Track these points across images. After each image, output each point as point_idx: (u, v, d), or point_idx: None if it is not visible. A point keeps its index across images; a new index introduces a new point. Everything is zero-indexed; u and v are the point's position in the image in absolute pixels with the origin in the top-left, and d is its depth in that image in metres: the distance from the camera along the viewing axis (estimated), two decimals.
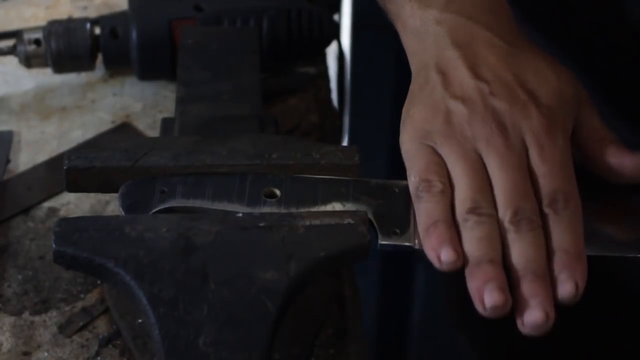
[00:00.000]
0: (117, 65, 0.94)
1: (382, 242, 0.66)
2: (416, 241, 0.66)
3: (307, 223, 0.65)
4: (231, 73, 0.84)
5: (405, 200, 0.68)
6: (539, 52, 0.70)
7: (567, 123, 0.67)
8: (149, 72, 0.92)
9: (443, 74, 0.68)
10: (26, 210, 0.81)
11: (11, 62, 0.95)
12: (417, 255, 0.65)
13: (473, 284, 0.61)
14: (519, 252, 0.62)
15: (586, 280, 0.61)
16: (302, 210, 0.67)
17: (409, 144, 0.67)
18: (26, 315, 0.73)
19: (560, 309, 0.62)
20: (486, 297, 0.60)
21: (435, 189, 0.64)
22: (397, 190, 0.69)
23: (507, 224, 0.62)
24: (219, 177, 0.69)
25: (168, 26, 0.90)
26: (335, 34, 0.99)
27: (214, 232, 0.65)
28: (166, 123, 0.80)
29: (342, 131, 1.16)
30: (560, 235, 0.62)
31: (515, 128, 0.65)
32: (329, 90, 0.99)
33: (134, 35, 0.90)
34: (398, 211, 0.67)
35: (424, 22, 0.70)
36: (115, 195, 0.69)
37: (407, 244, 0.66)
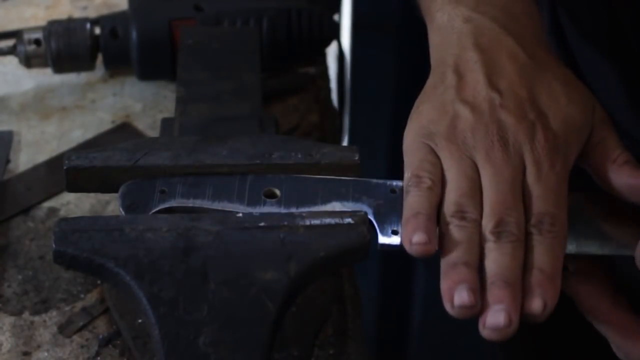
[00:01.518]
0: (117, 65, 0.94)
1: (382, 242, 0.66)
2: None
3: (307, 223, 0.65)
4: (231, 73, 0.83)
5: None
6: (558, 70, 0.69)
7: (570, 150, 0.66)
8: (149, 72, 0.92)
9: (459, 76, 0.68)
10: (26, 210, 0.81)
11: (11, 62, 0.95)
12: None
13: (445, 284, 0.61)
14: (494, 260, 0.62)
15: (556, 303, 0.61)
16: (302, 210, 0.67)
17: (410, 141, 0.67)
18: (26, 315, 0.73)
19: (560, 309, 0.62)
20: (456, 296, 0.60)
21: (423, 184, 0.64)
22: (397, 190, 0.69)
23: (488, 233, 0.62)
24: (219, 177, 0.69)
25: (168, 26, 0.90)
26: (335, 34, 0.99)
27: (214, 232, 0.65)
28: (166, 123, 0.80)
29: (342, 131, 1.16)
30: (540, 255, 0.62)
31: (516, 145, 0.65)
32: (329, 90, 0.99)
33: (134, 35, 0.90)
34: (398, 211, 0.67)
35: (452, 18, 0.70)
36: (115, 195, 0.69)
37: None
